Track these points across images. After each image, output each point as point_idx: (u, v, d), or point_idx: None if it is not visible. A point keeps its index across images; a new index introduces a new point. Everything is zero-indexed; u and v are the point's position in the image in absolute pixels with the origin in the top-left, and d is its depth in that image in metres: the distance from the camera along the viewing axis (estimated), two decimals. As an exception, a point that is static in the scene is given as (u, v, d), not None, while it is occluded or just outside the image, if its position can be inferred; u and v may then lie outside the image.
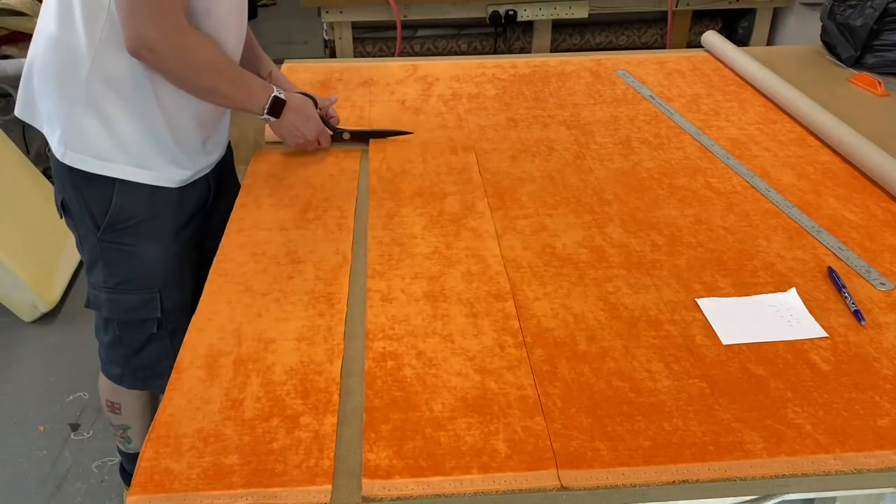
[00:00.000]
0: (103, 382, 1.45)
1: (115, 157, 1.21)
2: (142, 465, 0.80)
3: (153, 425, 0.85)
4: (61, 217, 1.33)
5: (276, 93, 1.30)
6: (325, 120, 1.45)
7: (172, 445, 0.82)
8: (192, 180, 1.30)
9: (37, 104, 1.24)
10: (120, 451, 1.59)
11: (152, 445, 0.82)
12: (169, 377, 0.94)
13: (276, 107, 1.31)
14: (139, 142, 1.21)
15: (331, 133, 1.47)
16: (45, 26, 1.19)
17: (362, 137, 1.49)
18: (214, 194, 1.39)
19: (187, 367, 0.93)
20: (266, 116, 1.31)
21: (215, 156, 1.36)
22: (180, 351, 0.96)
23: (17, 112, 1.28)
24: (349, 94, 1.71)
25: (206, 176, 1.34)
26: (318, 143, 1.44)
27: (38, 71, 1.21)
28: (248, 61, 1.43)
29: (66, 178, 1.24)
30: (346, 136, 1.49)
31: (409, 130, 1.52)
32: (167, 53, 1.12)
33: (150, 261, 1.28)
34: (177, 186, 1.27)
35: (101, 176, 1.21)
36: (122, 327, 1.34)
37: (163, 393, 1.01)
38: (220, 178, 1.40)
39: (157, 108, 1.20)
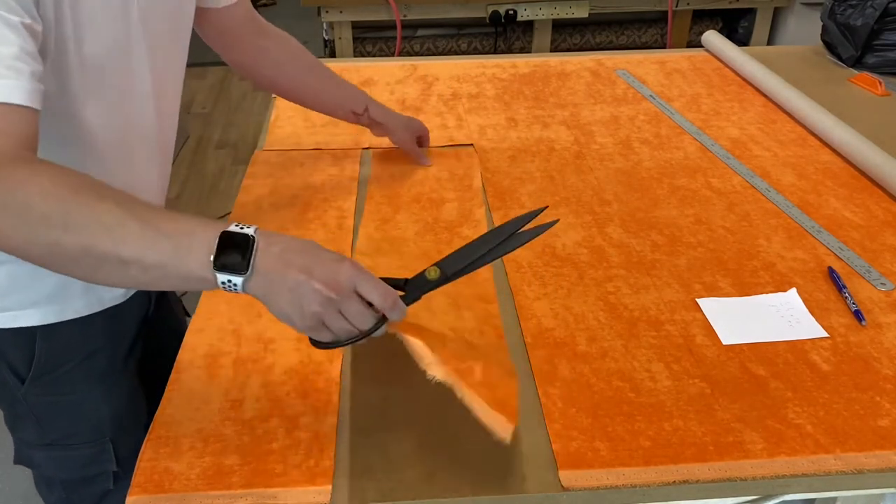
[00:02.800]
0: None
1: (29, 302, 0.97)
2: (141, 465, 0.80)
3: (152, 426, 0.85)
4: None
5: (233, 227, 0.71)
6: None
7: (172, 445, 0.82)
8: (126, 297, 1.06)
9: None
10: None
11: (151, 446, 0.82)
12: None
13: (235, 254, 0.70)
14: (52, 278, 0.94)
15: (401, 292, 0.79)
16: None
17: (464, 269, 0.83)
18: (155, 300, 1.15)
19: (186, 368, 0.93)
20: (227, 282, 0.70)
21: None
22: (179, 351, 0.95)
23: None
24: (349, 94, 1.71)
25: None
26: (382, 319, 0.76)
27: None
28: (327, 94, 1.31)
29: None
30: (434, 273, 0.81)
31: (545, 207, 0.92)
32: None
33: (94, 406, 1.05)
34: (109, 308, 1.04)
35: (15, 327, 0.98)
36: (69, 488, 1.10)
37: None
38: None
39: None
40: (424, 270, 0.80)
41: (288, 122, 1.58)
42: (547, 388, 0.90)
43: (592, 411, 0.87)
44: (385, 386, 0.91)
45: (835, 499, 1.22)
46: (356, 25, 2.74)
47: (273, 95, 1.70)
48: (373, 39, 2.83)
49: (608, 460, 0.81)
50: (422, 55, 2.91)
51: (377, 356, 0.95)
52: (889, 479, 0.80)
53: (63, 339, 1.00)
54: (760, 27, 3.07)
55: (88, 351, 1.03)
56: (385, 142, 1.48)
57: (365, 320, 0.73)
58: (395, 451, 0.82)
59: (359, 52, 2.83)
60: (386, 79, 1.80)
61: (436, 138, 1.50)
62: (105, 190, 0.70)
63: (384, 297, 0.73)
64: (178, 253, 0.68)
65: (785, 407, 0.87)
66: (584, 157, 1.43)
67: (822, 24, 1.94)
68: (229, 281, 0.70)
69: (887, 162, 1.32)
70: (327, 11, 2.64)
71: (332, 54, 2.80)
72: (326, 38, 2.87)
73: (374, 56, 2.82)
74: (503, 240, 0.83)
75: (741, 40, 3.14)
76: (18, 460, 1.11)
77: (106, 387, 1.06)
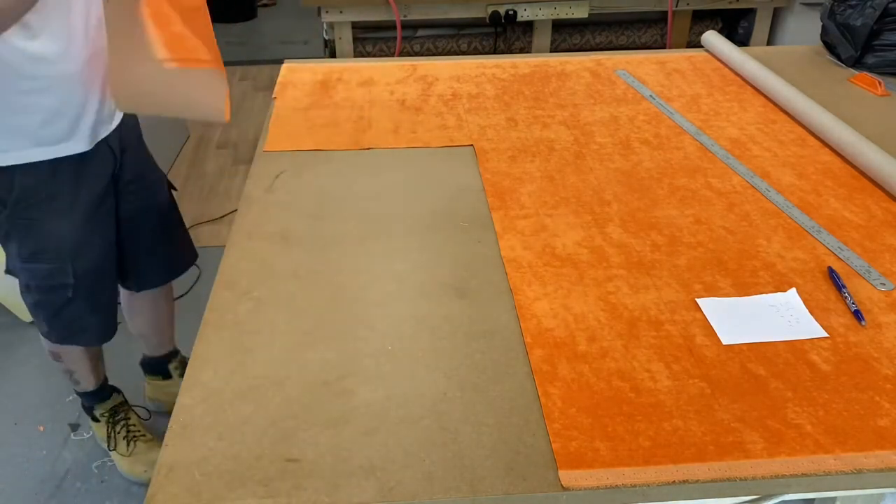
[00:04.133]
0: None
1: (9, 145, 1.28)
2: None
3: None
4: None
5: None
6: None
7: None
8: (89, 150, 1.37)
9: None
10: (75, 391, 1.77)
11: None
12: (91, 333, 1.37)
13: None
14: (25, 126, 1.27)
15: None
16: None
17: None
18: (120, 158, 1.47)
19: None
20: None
21: (112, 123, 1.43)
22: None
23: None
24: (349, 94, 1.71)
25: (106, 142, 1.41)
26: None
27: None
28: None
29: None
30: None
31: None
32: None
33: (56, 234, 1.39)
34: (75, 158, 1.35)
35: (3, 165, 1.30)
36: (40, 292, 1.46)
37: (87, 345, 1.48)
38: (122, 141, 1.48)
39: (16, 95, 1.24)
40: None
41: (288, 122, 1.58)
42: (547, 387, 0.90)
43: (592, 411, 0.87)
44: (385, 386, 0.91)
45: (834, 499, 1.22)
46: (356, 25, 2.74)
47: (273, 96, 1.70)
48: (373, 39, 2.83)
49: (608, 460, 0.81)
50: (422, 55, 2.91)
51: (377, 355, 0.95)
52: (888, 478, 0.80)
53: (35, 177, 1.33)
54: (760, 27, 3.08)
55: (54, 190, 1.36)
56: (387, 141, 1.48)
57: None
58: (395, 451, 0.82)
59: (359, 52, 2.83)
60: (386, 79, 1.80)
61: (436, 138, 1.50)
62: None
63: None
64: None
65: (785, 407, 0.88)
66: (583, 158, 1.43)
67: (821, 24, 1.94)
68: None
69: (887, 162, 1.32)
70: (327, 11, 2.64)
71: (332, 54, 2.80)
72: (326, 38, 2.87)
73: (374, 56, 2.82)
74: None
75: (741, 40, 3.14)
76: (8, 271, 1.47)
77: (68, 221, 1.39)
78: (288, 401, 0.89)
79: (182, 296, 2.29)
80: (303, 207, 1.27)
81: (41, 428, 1.93)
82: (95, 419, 1.81)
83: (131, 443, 1.78)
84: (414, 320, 1.01)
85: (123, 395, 1.83)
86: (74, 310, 1.48)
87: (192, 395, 0.89)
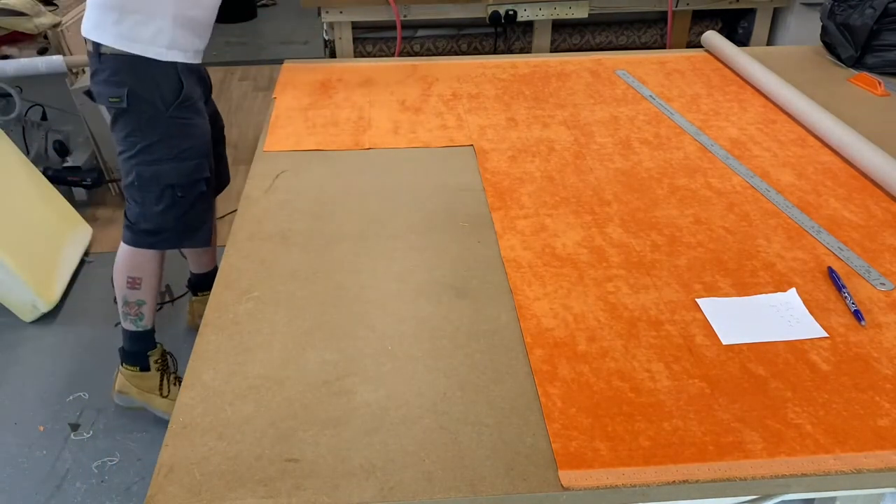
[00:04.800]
0: (127, 261, 1.69)
1: (179, 44, 1.51)
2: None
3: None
4: (120, 108, 1.53)
5: None
6: None
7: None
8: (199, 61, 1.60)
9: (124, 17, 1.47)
10: (128, 333, 1.79)
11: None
12: (205, 232, 1.61)
13: None
14: (190, 28, 1.51)
15: None
16: None
17: None
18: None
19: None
20: None
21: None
22: None
23: (85, 31, 1.51)
24: (349, 94, 1.71)
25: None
26: None
27: None
28: None
29: (132, 69, 1.49)
30: None
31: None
32: None
33: (201, 130, 1.61)
34: (198, 65, 1.60)
35: (167, 63, 1.50)
36: (182, 189, 1.60)
37: (202, 245, 1.69)
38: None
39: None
40: None
41: (288, 122, 1.58)
42: (547, 387, 0.90)
43: (592, 411, 0.87)
44: (385, 386, 0.91)
45: (834, 499, 1.22)
46: (356, 26, 2.74)
47: (273, 96, 1.70)
48: (373, 40, 2.83)
49: (608, 460, 0.81)
50: (422, 55, 2.91)
51: (376, 355, 0.95)
52: (888, 478, 0.80)
53: (191, 78, 1.57)
54: (760, 27, 3.07)
55: (198, 91, 1.62)
56: (386, 141, 1.48)
57: None
58: (395, 451, 0.82)
59: (359, 53, 2.83)
60: (386, 79, 1.80)
61: (436, 138, 1.50)
62: None
63: None
64: None
65: (784, 407, 0.88)
66: (583, 157, 1.43)
67: (821, 24, 1.94)
68: None
69: (887, 162, 1.32)
70: (327, 12, 2.64)
71: (332, 54, 2.80)
72: (326, 38, 2.87)
73: (374, 56, 2.82)
74: None
75: (741, 41, 3.14)
76: (138, 182, 1.59)
77: (203, 118, 1.63)
78: (288, 401, 0.89)
79: (181, 296, 2.29)
80: (303, 207, 1.27)
81: (41, 428, 1.93)
82: (146, 368, 1.85)
83: (176, 387, 1.86)
84: (414, 320, 1.01)
85: None
86: (202, 204, 1.66)
87: (192, 395, 0.89)
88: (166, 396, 1.85)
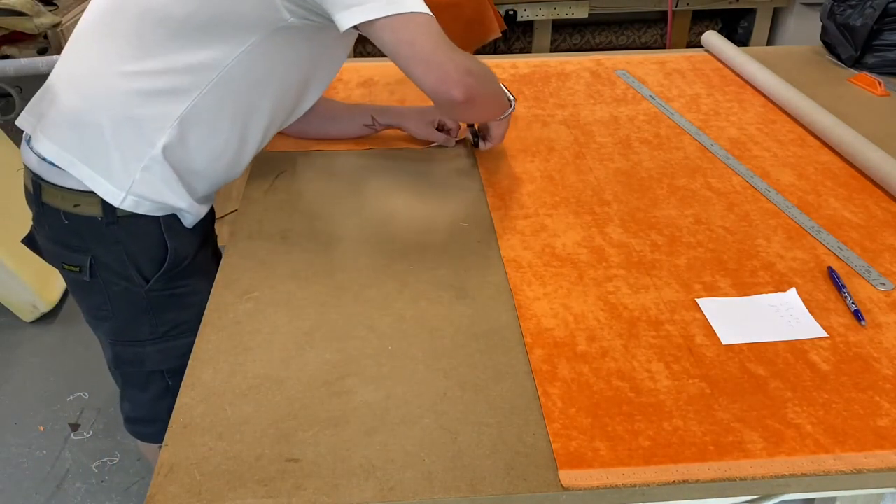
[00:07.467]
0: (148, 449, 1.37)
1: (162, 208, 1.14)
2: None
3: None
4: (86, 277, 1.17)
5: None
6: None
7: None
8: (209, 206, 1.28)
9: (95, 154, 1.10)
10: None
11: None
12: None
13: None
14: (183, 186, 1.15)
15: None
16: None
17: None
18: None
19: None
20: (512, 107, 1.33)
21: None
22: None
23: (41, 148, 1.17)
24: (349, 94, 1.71)
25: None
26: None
27: (112, 123, 1.09)
28: (342, 123, 1.46)
29: (97, 233, 1.13)
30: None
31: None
32: (480, 77, 1.13)
33: (198, 298, 1.12)
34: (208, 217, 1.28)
35: (149, 220, 1.13)
36: (172, 375, 1.25)
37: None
38: None
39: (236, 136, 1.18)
40: None
41: (288, 123, 1.58)
42: (547, 387, 0.90)
43: (592, 411, 0.87)
44: (385, 386, 0.91)
45: (834, 498, 1.22)
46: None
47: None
48: (373, 40, 2.83)
49: (608, 460, 0.81)
50: (422, 55, 2.91)
51: (376, 355, 0.95)
52: (888, 478, 0.80)
53: (184, 234, 1.19)
54: (760, 27, 3.08)
55: (197, 246, 1.22)
56: (387, 142, 1.48)
57: None
58: (394, 451, 0.82)
59: (359, 52, 2.83)
60: (386, 79, 1.80)
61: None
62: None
63: None
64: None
65: (784, 407, 0.88)
66: (583, 157, 1.43)
67: (821, 24, 1.94)
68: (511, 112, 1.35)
69: (887, 162, 1.32)
70: (327, 11, 2.64)
71: (332, 54, 2.80)
72: (326, 38, 2.87)
73: (374, 56, 2.82)
74: None
75: (741, 41, 3.14)
76: (119, 365, 1.24)
77: (205, 278, 1.15)
78: (288, 401, 0.89)
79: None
80: (303, 207, 1.28)
81: (41, 428, 1.93)
82: None
83: None
84: (414, 320, 1.01)
85: None
86: None
87: (192, 395, 0.89)
88: None
